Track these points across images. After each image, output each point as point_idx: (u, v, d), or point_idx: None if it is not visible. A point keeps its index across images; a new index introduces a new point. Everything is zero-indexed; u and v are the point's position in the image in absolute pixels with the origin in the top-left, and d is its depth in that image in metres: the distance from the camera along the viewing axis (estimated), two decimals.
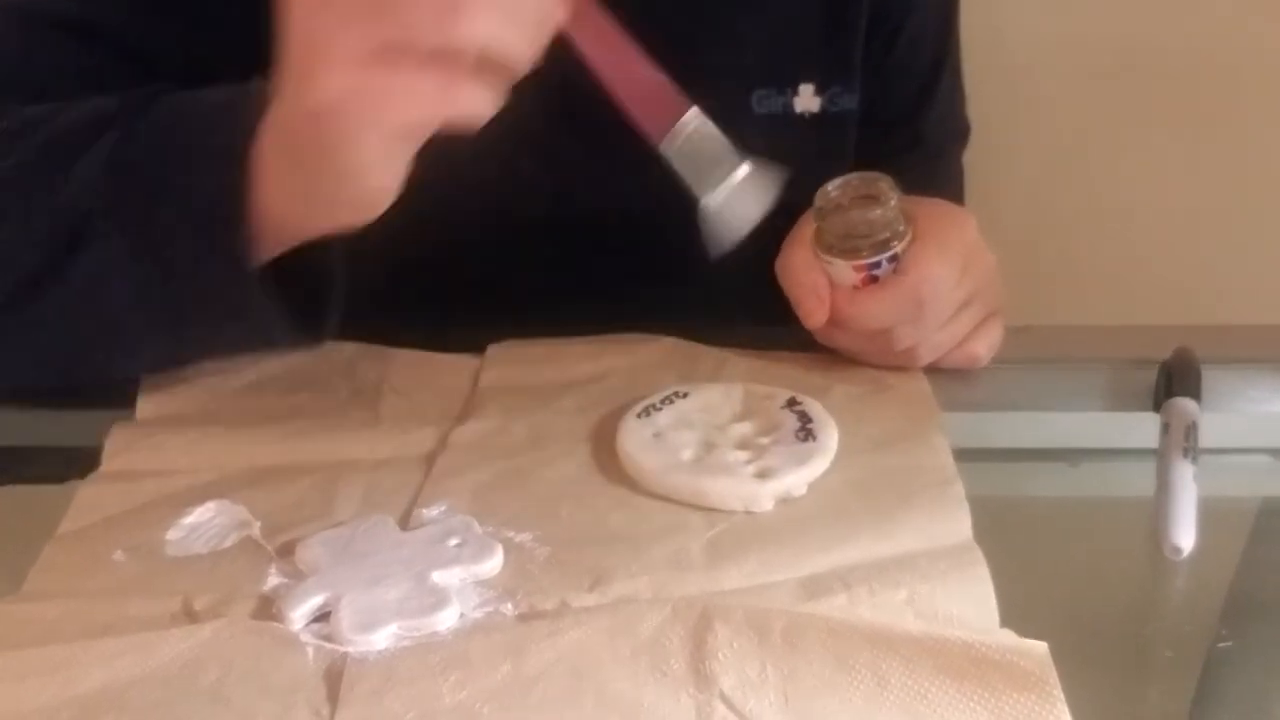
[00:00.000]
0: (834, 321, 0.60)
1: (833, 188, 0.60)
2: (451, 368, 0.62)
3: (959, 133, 0.82)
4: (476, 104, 0.46)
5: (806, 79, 0.71)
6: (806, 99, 0.71)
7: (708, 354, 0.63)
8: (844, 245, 0.59)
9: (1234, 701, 0.45)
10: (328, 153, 0.47)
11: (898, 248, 0.58)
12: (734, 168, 0.50)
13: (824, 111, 0.71)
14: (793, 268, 0.61)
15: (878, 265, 0.59)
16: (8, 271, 0.54)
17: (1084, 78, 1.13)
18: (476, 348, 0.63)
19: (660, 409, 0.55)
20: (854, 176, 0.60)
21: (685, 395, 0.56)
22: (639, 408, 0.55)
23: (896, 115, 0.76)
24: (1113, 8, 1.12)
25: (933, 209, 0.61)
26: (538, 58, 0.47)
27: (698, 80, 0.70)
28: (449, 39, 0.45)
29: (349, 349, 0.63)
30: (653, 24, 0.69)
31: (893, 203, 0.58)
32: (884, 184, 0.59)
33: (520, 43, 0.46)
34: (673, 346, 0.63)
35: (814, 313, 0.60)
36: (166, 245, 0.52)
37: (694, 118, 0.49)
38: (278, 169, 0.50)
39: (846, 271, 0.59)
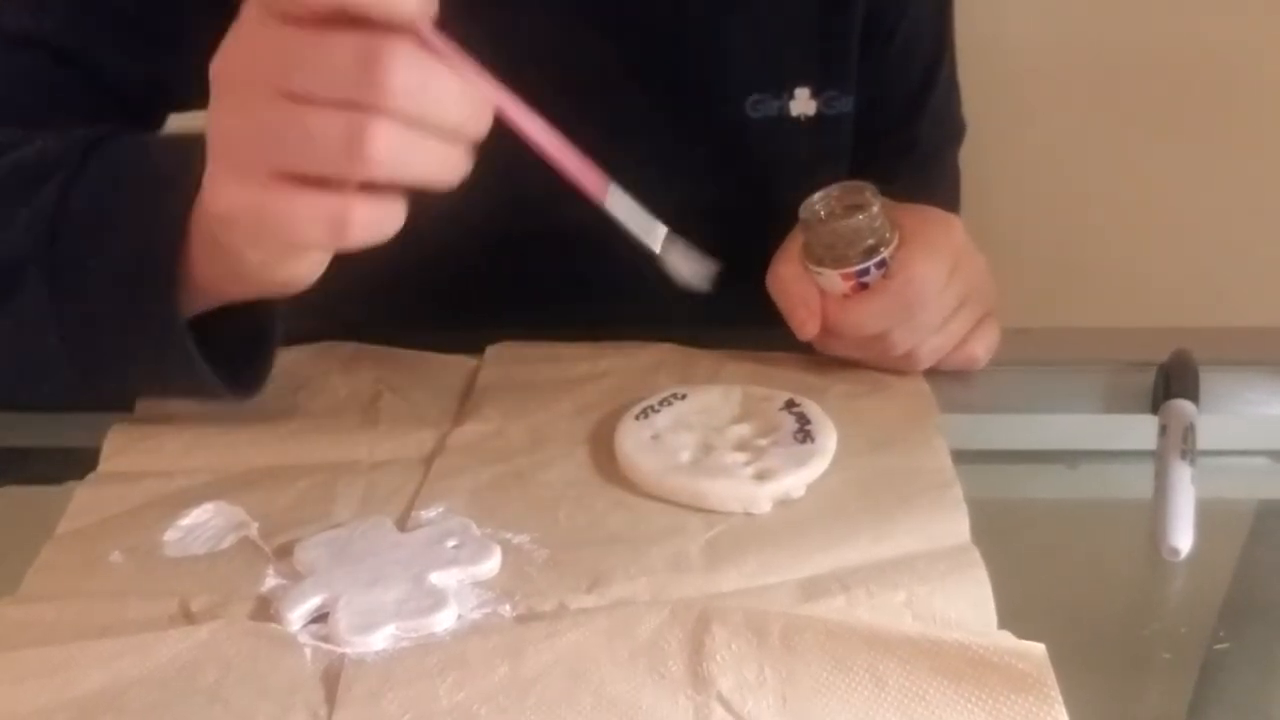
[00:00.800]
0: (827, 330, 0.60)
1: (817, 199, 0.60)
2: (450, 368, 0.62)
3: (955, 134, 0.82)
4: (377, 227, 0.45)
5: (802, 83, 0.71)
6: (802, 102, 0.71)
7: (705, 356, 0.63)
8: (831, 255, 0.59)
9: (1232, 703, 0.45)
10: (235, 252, 0.48)
11: (885, 253, 0.59)
12: (657, 233, 0.51)
13: (820, 115, 0.71)
14: (782, 280, 0.61)
15: (866, 272, 0.59)
16: None
17: (1081, 80, 1.13)
18: (475, 349, 0.63)
19: (658, 411, 0.55)
20: (837, 187, 0.60)
21: (683, 397, 0.56)
22: (637, 409, 0.55)
23: (893, 118, 0.76)
24: (1112, 10, 1.12)
25: (918, 214, 0.62)
26: (465, 173, 0.46)
27: (692, 85, 0.70)
28: (352, 170, 0.43)
29: (347, 348, 0.63)
30: (649, 28, 0.69)
31: (876, 209, 0.59)
32: (868, 192, 0.59)
33: (435, 167, 0.45)
34: (671, 349, 0.64)
35: (806, 323, 0.60)
36: (97, 302, 0.52)
37: (614, 192, 0.49)
38: (202, 244, 0.50)
39: (835, 281, 0.59)
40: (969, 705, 0.38)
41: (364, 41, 0.42)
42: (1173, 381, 0.60)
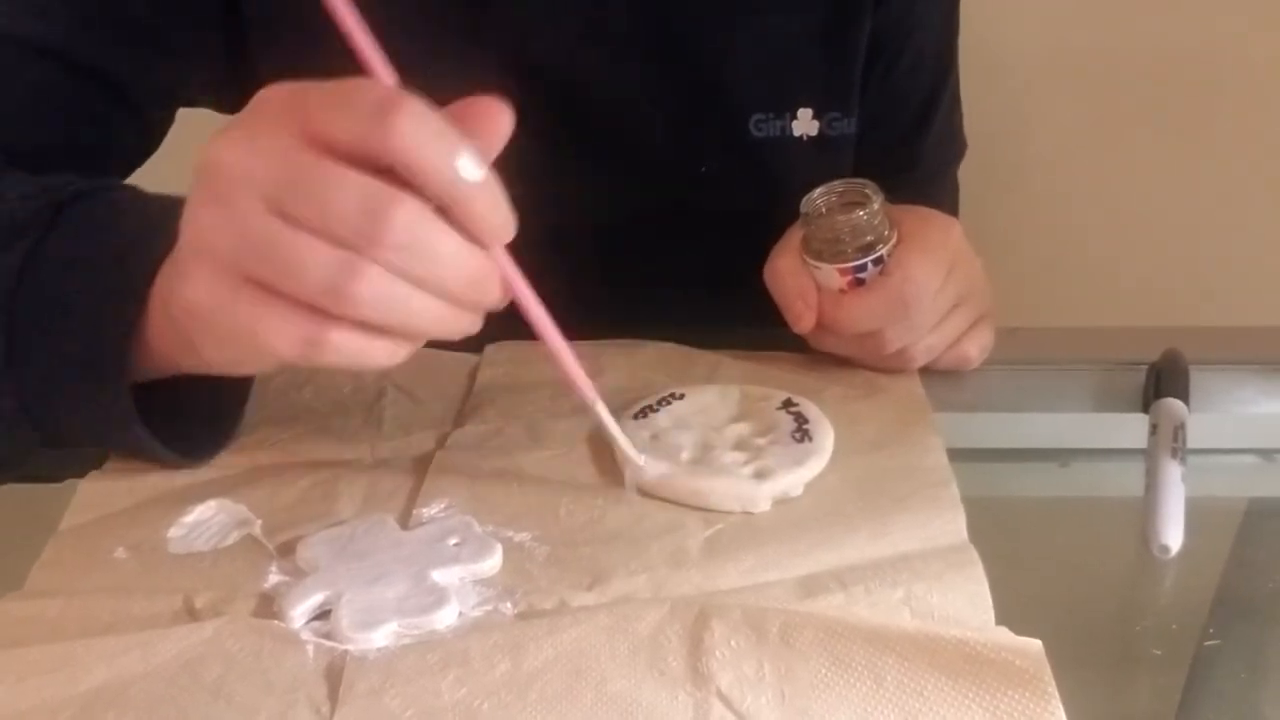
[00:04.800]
0: (822, 325, 0.61)
1: (818, 194, 0.61)
2: (453, 365, 0.62)
3: (957, 153, 0.82)
4: (357, 357, 0.43)
5: (805, 103, 0.71)
6: (805, 123, 0.71)
7: (703, 356, 0.63)
8: (829, 250, 0.60)
9: (1221, 699, 0.45)
10: (196, 342, 0.46)
11: (882, 250, 0.59)
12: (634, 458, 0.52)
13: (822, 135, 0.72)
14: (780, 273, 0.61)
15: (863, 269, 0.59)
16: None
17: (1070, 82, 1.14)
18: (474, 347, 0.63)
19: (657, 410, 0.56)
20: (839, 183, 0.61)
21: (681, 397, 0.57)
22: (635, 409, 0.56)
23: (896, 136, 0.76)
24: (1100, 13, 1.12)
25: (917, 215, 0.62)
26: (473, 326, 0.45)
27: (697, 103, 0.71)
28: (335, 306, 0.42)
29: None
30: (653, 46, 0.69)
31: (876, 207, 0.59)
32: (869, 189, 0.60)
33: (429, 322, 0.43)
34: (668, 348, 0.64)
35: (802, 317, 0.60)
36: (49, 376, 0.50)
37: (600, 405, 0.50)
38: (163, 321, 0.48)
39: (832, 276, 0.60)
40: (967, 701, 0.39)
41: (375, 188, 0.41)
42: (1163, 381, 0.60)
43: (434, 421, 0.57)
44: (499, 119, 0.43)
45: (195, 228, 0.43)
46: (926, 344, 0.61)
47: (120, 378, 0.49)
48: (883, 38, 0.73)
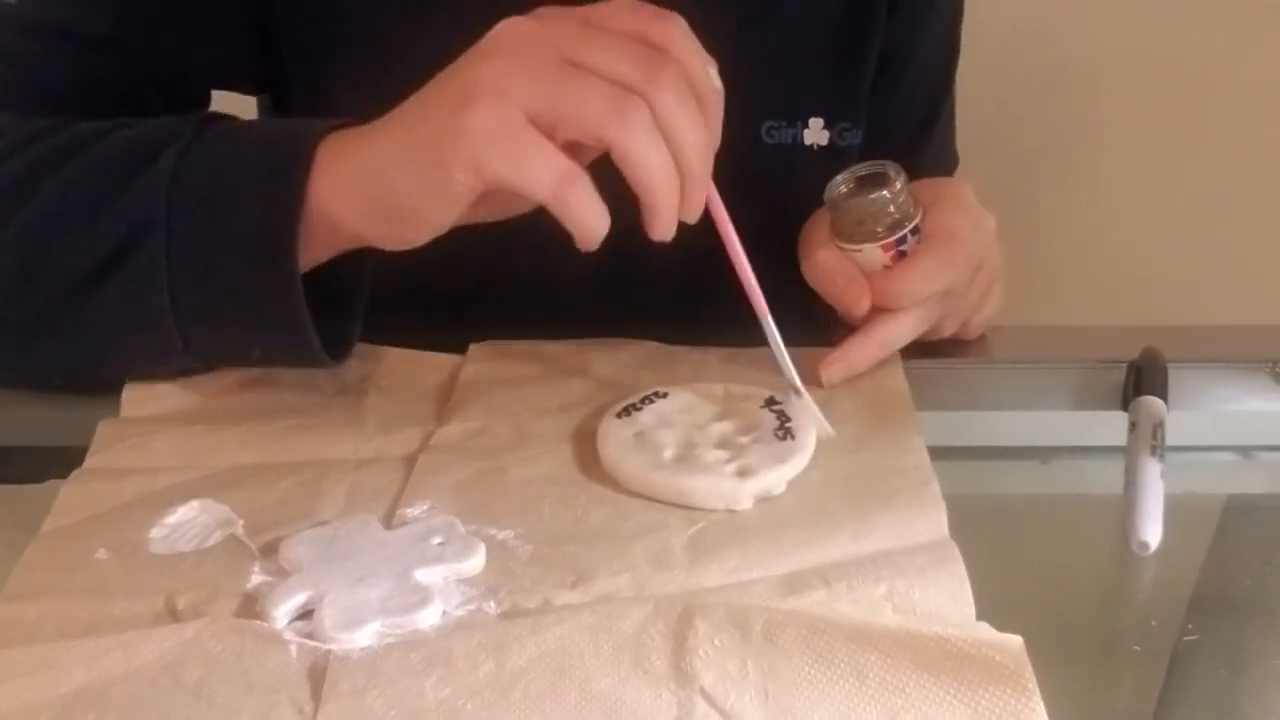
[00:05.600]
0: (881, 303, 0.60)
1: (840, 180, 0.61)
2: (436, 366, 0.62)
3: (951, 167, 0.83)
4: (588, 209, 0.49)
5: (816, 113, 0.72)
6: (816, 132, 0.72)
7: (687, 355, 0.63)
8: (862, 230, 0.60)
9: (1200, 693, 0.46)
10: (424, 169, 0.50)
11: (917, 219, 0.60)
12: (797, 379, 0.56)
13: (832, 145, 0.73)
14: (821, 264, 0.61)
15: (904, 240, 0.60)
16: (53, 279, 0.55)
17: (1051, 83, 1.14)
18: (459, 347, 0.63)
19: (640, 409, 0.56)
20: (857, 166, 0.62)
21: (665, 395, 0.57)
22: (619, 407, 0.56)
23: (896, 150, 0.77)
24: (1084, 15, 1.13)
25: (928, 183, 0.63)
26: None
27: None
28: (609, 131, 0.48)
29: None
30: None
31: (900, 183, 0.60)
32: (888, 167, 0.61)
33: (660, 178, 0.49)
34: (652, 348, 0.64)
35: (859, 299, 0.60)
36: (213, 262, 0.53)
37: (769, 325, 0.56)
38: (349, 181, 0.52)
39: (875, 255, 0.60)
40: (948, 697, 0.39)
41: (655, 52, 0.49)
42: (1142, 379, 0.61)
43: (417, 421, 0.57)
44: None
45: (492, 69, 0.49)
46: (956, 311, 0.63)
47: (291, 250, 0.52)
48: (890, 53, 0.74)
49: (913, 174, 0.62)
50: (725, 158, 0.72)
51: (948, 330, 0.65)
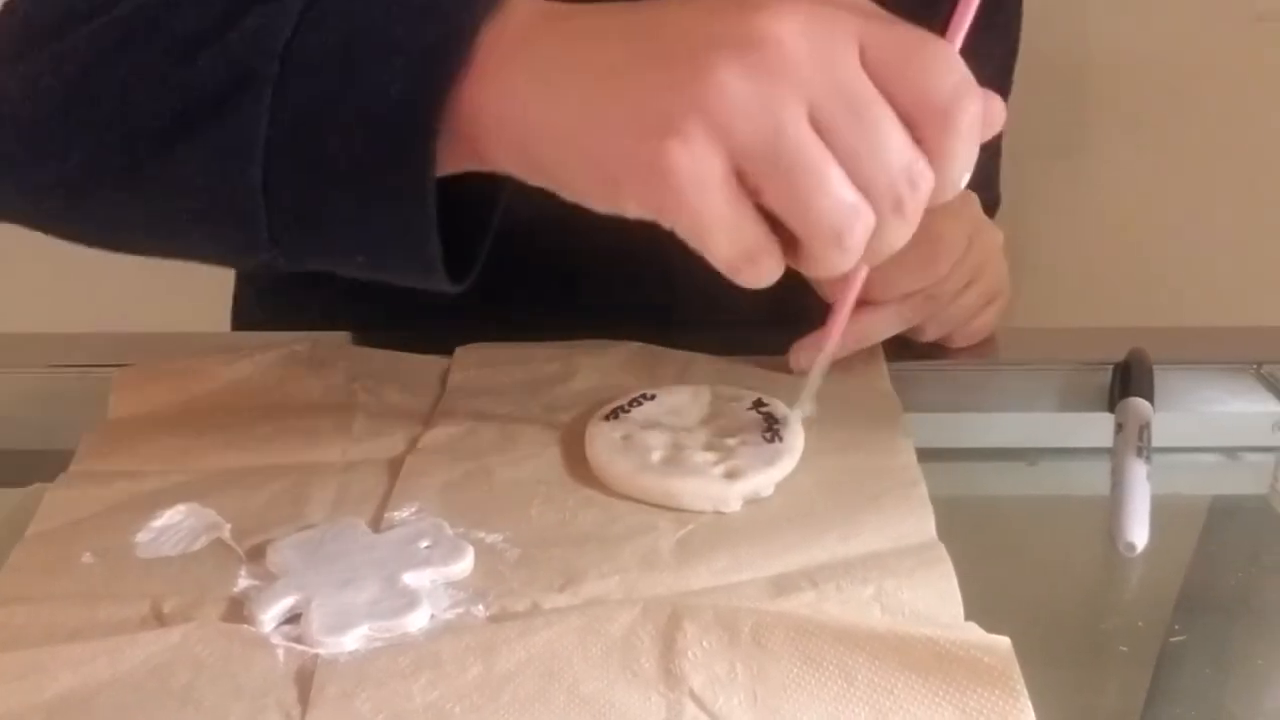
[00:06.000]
0: (860, 295, 0.60)
1: None
2: (424, 368, 0.62)
3: (992, 205, 0.83)
4: (754, 281, 0.41)
5: None
6: None
7: (673, 357, 0.63)
8: None
9: (1187, 694, 0.46)
10: (596, 179, 0.41)
11: None
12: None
13: None
14: None
15: None
16: (139, 115, 0.44)
17: (1042, 83, 1.15)
18: (444, 348, 0.63)
19: (628, 411, 0.56)
20: None
21: (652, 397, 0.57)
22: (606, 410, 0.56)
23: None
24: (1071, 15, 1.13)
25: None
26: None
27: None
28: (824, 243, 0.40)
29: (323, 349, 0.63)
30: None
31: None
32: None
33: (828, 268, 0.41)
34: (638, 349, 0.64)
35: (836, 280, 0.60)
36: (329, 138, 0.43)
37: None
38: (506, 125, 0.42)
39: None
40: (936, 699, 0.39)
41: (919, 158, 0.40)
42: (1129, 380, 0.61)
43: (405, 424, 0.57)
44: None
45: (717, 94, 0.38)
46: (942, 319, 0.62)
47: (430, 135, 0.41)
48: None
49: None
50: None
51: (930, 335, 0.65)
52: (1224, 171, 1.19)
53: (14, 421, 0.60)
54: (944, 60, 0.39)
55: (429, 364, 0.62)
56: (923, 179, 0.40)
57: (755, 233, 0.40)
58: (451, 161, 0.44)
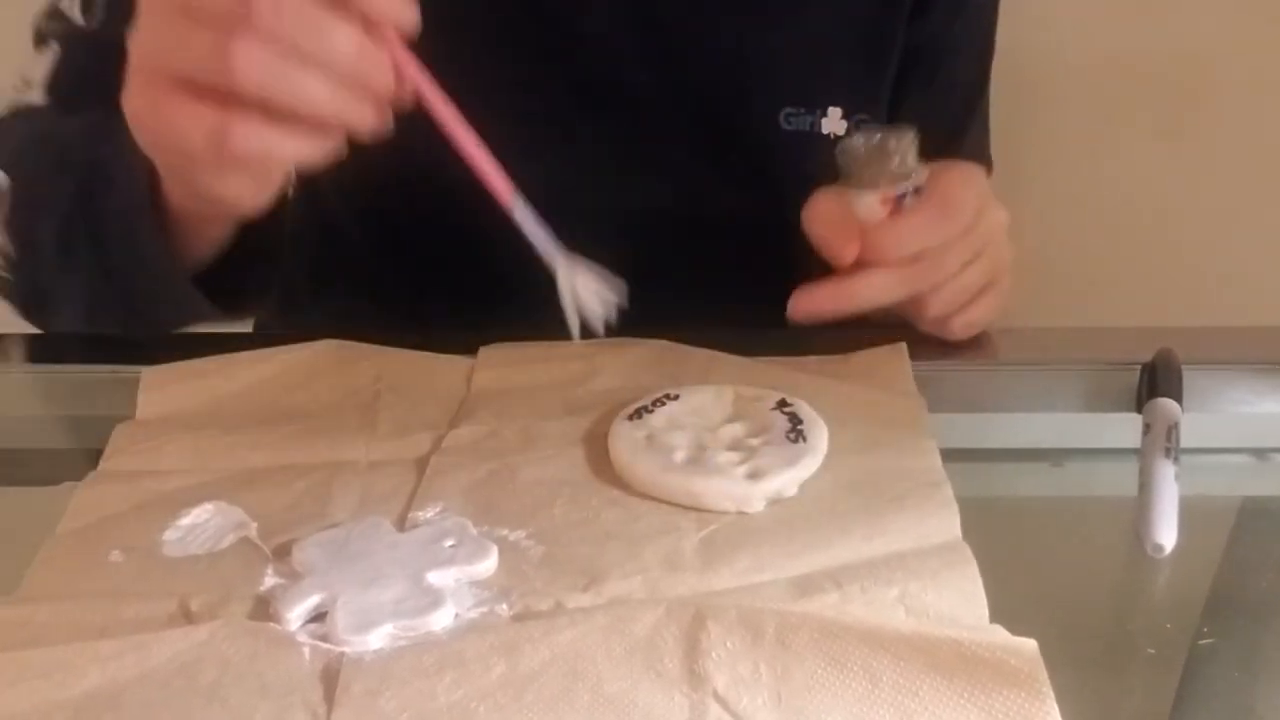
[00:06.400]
0: (865, 259, 0.60)
1: (855, 135, 0.62)
2: (447, 368, 0.62)
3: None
4: (262, 146, 0.47)
5: (836, 102, 0.72)
6: (834, 121, 0.73)
7: (696, 356, 0.63)
8: (868, 174, 0.60)
9: (1215, 698, 0.45)
10: (166, 167, 0.53)
11: (921, 179, 0.60)
12: (557, 258, 0.53)
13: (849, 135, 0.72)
14: (819, 209, 0.61)
15: (904, 196, 0.60)
16: (37, 269, 0.63)
17: (1063, 81, 1.14)
18: (468, 348, 0.63)
19: (651, 411, 0.56)
20: (872, 128, 0.63)
21: (676, 397, 0.57)
22: (629, 410, 0.56)
23: (928, 153, 0.77)
24: (1097, 14, 1.13)
25: (943, 163, 0.63)
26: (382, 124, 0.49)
27: (730, 94, 0.71)
28: (219, 79, 0.46)
29: (347, 348, 0.63)
30: (690, 37, 0.70)
31: (909, 139, 0.60)
32: (903, 126, 0.61)
33: (314, 98, 0.47)
34: (662, 348, 0.64)
35: (845, 248, 0.60)
36: (112, 247, 0.59)
37: (520, 205, 0.52)
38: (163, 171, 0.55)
39: (874, 206, 0.60)
40: (962, 701, 0.39)
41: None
42: (1157, 380, 0.61)
43: (429, 423, 0.57)
44: None
45: (132, 48, 0.49)
46: (943, 296, 0.62)
47: (157, 231, 0.57)
48: (919, 53, 0.74)
49: None
50: (743, 142, 0.72)
51: (930, 311, 0.64)
52: (1255, 170, 1.18)
53: (43, 421, 0.60)
54: None
55: (453, 364, 0.62)
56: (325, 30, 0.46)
57: (206, 111, 0.47)
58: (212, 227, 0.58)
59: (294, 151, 0.48)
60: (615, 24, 0.69)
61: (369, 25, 0.47)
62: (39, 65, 0.70)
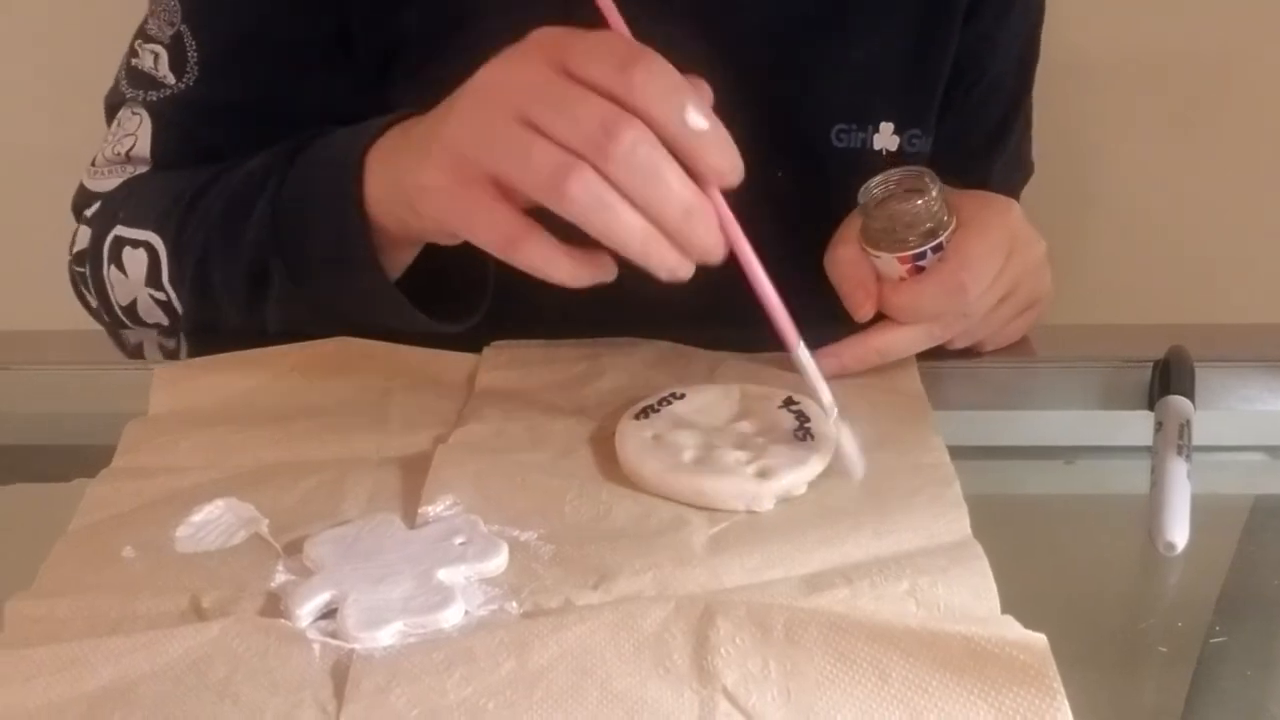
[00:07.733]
0: (885, 312, 0.60)
1: (875, 183, 0.61)
2: (458, 365, 0.62)
3: (1024, 175, 0.83)
4: (545, 264, 0.49)
5: (887, 118, 0.72)
6: (885, 137, 0.73)
7: (702, 355, 0.63)
8: (888, 239, 0.60)
9: (1228, 696, 0.45)
10: (419, 212, 0.54)
11: (942, 237, 0.59)
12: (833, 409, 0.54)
13: (901, 151, 0.73)
14: (840, 262, 0.61)
15: (923, 256, 0.59)
16: (224, 310, 0.66)
17: (1076, 79, 1.14)
18: (474, 346, 0.63)
19: (658, 410, 0.56)
20: (896, 171, 0.61)
21: (682, 396, 0.57)
22: (636, 409, 0.56)
23: (967, 156, 0.77)
24: (1105, 12, 1.12)
25: (976, 198, 0.62)
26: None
27: (783, 110, 0.71)
28: (545, 197, 0.47)
29: (357, 346, 0.63)
30: (744, 54, 0.70)
31: (935, 193, 0.59)
32: (926, 177, 0.60)
33: (629, 239, 0.48)
34: (667, 348, 0.64)
35: (862, 305, 0.60)
36: (324, 283, 0.61)
37: (802, 348, 0.53)
38: (386, 194, 0.56)
39: (893, 264, 0.60)
40: (971, 697, 0.39)
41: (611, 109, 0.47)
42: (1169, 378, 0.60)
43: (440, 420, 0.57)
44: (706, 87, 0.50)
45: (450, 125, 0.51)
46: (974, 332, 0.62)
47: (370, 259, 0.58)
48: (965, 59, 0.74)
49: (984, 179, 0.61)
50: (795, 158, 0.72)
51: (959, 345, 0.64)
52: (1268, 168, 1.17)
53: (56, 417, 0.61)
54: (607, 41, 0.49)
55: (461, 360, 0.62)
56: (618, 122, 0.47)
57: (505, 217, 0.49)
58: (394, 239, 0.58)
59: (569, 274, 0.50)
60: (671, 40, 0.69)
61: (696, 176, 0.48)
62: (123, 139, 0.72)
